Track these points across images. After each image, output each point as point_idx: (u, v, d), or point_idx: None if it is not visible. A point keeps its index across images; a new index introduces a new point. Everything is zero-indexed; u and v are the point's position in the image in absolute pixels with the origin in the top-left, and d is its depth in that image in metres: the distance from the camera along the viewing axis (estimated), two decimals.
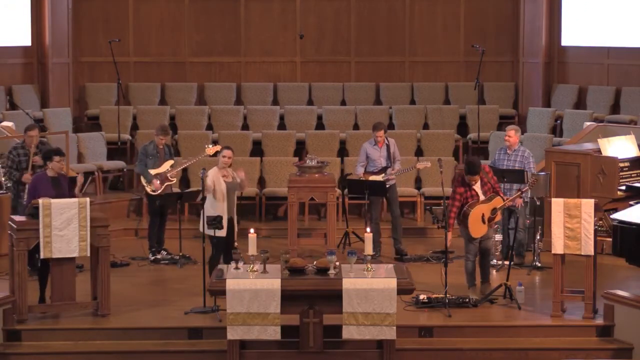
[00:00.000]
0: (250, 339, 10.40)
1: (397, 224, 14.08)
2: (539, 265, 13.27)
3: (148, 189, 13.85)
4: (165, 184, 13.83)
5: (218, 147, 14.02)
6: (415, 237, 15.05)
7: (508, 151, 13.43)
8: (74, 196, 11.65)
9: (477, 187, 11.83)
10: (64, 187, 11.71)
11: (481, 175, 11.84)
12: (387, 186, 13.87)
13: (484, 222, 11.81)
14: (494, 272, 12.61)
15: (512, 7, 18.36)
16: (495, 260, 13.04)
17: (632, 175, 13.91)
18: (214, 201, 12.11)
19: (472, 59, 17.83)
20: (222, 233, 11.96)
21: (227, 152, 12.33)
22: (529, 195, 13.30)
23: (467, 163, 11.99)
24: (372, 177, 13.86)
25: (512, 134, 13.43)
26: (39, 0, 17.54)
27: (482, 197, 11.82)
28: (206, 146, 14.02)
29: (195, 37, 18.41)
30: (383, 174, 13.88)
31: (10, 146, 13.85)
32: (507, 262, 12.45)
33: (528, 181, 13.06)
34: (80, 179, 12.12)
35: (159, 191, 13.77)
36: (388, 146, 13.97)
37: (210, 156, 13.97)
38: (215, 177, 12.12)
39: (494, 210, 11.84)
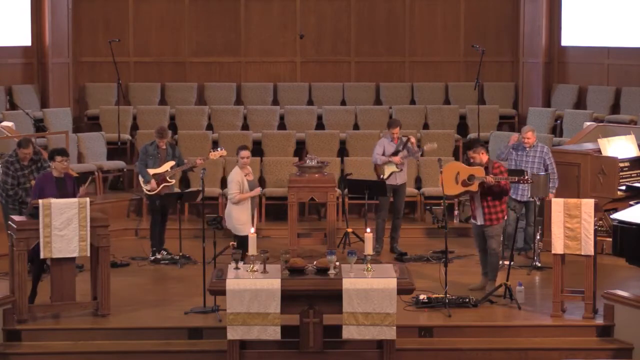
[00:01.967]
0: (250, 339, 10.40)
1: (398, 224, 14.12)
2: (539, 265, 13.28)
3: (145, 189, 13.88)
4: (163, 184, 13.84)
5: (223, 152, 14.04)
6: (415, 237, 15.05)
7: (527, 147, 13.50)
8: (79, 195, 11.64)
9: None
10: (68, 187, 11.69)
11: (488, 164, 11.91)
12: (398, 184, 13.88)
13: (457, 182, 11.89)
14: None
15: (512, 7, 18.36)
16: None
17: (632, 175, 13.91)
18: (234, 203, 12.13)
19: (472, 59, 17.84)
20: (246, 231, 12.01)
21: (245, 153, 12.41)
22: (528, 195, 13.33)
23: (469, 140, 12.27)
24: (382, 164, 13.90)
25: (531, 135, 13.58)
26: (39, 0, 17.54)
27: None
28: (211, 150, 14.03)
29: (195, 37, 18.41)
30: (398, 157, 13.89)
31: (10, 147, 13.79)
32: (507, 262, 12.43)
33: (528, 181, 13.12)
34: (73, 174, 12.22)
35: (155, 191, 13.80)
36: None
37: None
38: (240, 178, 12.11)
39: (471, 177, 11.84)
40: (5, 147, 14.38)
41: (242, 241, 12.10)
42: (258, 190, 12.49)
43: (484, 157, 11.94)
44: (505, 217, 12.27)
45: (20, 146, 12.80)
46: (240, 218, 12.23)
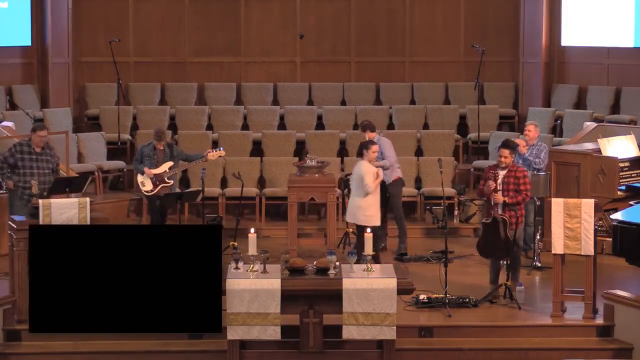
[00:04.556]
0: (250, 339, 10.40)
1: (400, 224, 14.05)
2: (539, 265, 13.28)
3: (142, 189, 13.89)
4: (162, 185, 13.85)
5: (222, 152, 14.04)
6: (415, 237, 15.04)
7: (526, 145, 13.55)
8: None
9: (501, 173, 11.78)
10: None
11: (514, 167, 11.85)
12: (387, 183, 13.87)
13: None
14: None
15: (512, 7, 18.36)
16: None
17: (632, 175, 13.91)
18: (370, 193, 12.50)
19: (472, 59, 17.83)
20: (376, 222, 12.51)
21: (376, 147, 12.83)
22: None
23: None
24: None
25: (532, 128, 13.57)
26: (39, 0, 17.54)
27: (496, 184, 11.81)
28: (209, 151, 14.02)
29: (195, 37, 18.41)
30: None
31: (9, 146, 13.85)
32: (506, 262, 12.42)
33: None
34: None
35: (154, 192, 13.82)
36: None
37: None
38: (372, 169, 12.61)
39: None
40: (5, 148, 14.39)
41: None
42: (381, 174, 12.94)
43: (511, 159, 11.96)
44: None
45: (36, 130, 13.26)
46: (371, 209, 12.67)
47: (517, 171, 11.83)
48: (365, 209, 12.71)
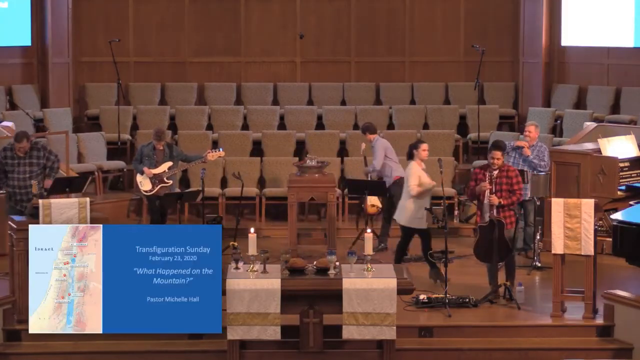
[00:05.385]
0: (250, 339, 10.40)
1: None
2: (539, 265, 13.28)
3: (141, 189, 13.89)
4: (161, 185, 13.85)
5: (222, 153, 14.04)
6: (416, 237, 14.99)
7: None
8: None
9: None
10: None
11: (505, 167, 11.78)
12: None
13: None
14: None
15: (512, 7, 18.35)
16: None
17: (632, 175, 13.90)
18: (413, 195, 12.51)
19: (472, 59, 17.82)
20: (422, 225, 12.56)
21: (426, 146, 12.81)
22: (528, 195, 13.31)
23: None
24: None
25: (532, 129, 13.56)
26: (39, 0, 17.54)
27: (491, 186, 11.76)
28: (209, 151, 14.01)
29: (195, 37, 18.41)
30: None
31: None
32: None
33: (528, 181, 13.12)
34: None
35: (153, 191, 13.82)
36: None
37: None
38: (419, 171, 12.56)
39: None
40: None
41: (420, 234, 12.66)
42: (433, 183, 12.81)
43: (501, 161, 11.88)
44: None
45: (16, 140, 13.14)
46: (419, 211, 12.63)
47: (509, 171, 11.80)
48: (408, 210, 12.63)
